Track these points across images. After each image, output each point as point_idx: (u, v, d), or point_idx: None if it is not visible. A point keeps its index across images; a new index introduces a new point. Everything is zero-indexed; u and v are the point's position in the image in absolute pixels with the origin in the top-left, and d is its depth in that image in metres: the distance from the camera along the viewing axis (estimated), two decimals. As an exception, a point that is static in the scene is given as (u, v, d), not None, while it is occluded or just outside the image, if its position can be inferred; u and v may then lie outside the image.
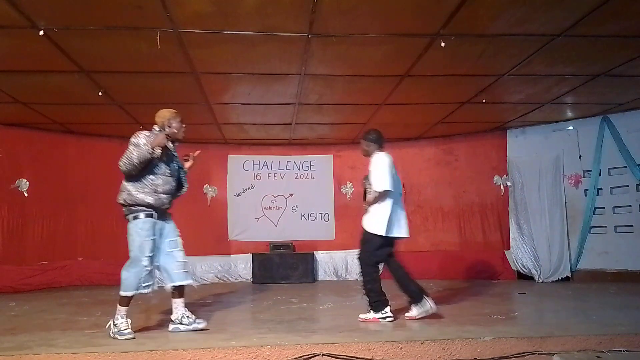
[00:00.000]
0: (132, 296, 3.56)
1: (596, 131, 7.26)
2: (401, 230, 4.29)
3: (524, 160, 7.89)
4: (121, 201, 3.72)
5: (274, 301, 5.56)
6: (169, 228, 3.83)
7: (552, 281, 7.33)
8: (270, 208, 8.81)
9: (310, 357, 2.96)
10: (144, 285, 3.55)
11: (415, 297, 4.11)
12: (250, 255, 8.16)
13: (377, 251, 4.19)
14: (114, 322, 3.49)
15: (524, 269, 7.67)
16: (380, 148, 4.49)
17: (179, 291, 3.77)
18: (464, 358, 3.05)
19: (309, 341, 3.12)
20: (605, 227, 7.20)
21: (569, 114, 7.36)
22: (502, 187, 8.12)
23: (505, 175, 8.09)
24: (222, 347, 3.00)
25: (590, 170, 7.33)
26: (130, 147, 3.60)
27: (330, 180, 8.90)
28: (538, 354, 3.07)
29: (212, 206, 8.66)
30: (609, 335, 3.21)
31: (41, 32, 4.17)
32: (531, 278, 7.54)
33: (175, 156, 3.93)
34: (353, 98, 6.28)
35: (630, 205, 6.97)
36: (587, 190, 7.36)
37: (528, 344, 3.11)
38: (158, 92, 5.90)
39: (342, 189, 8.90)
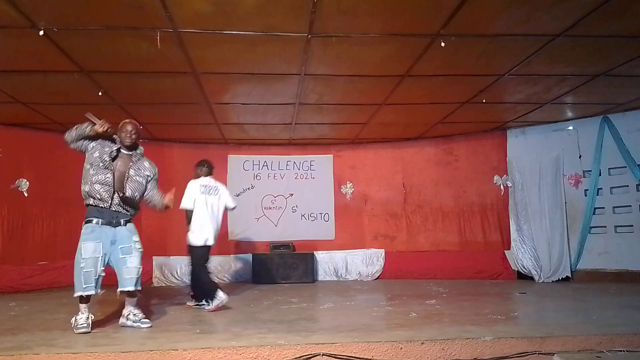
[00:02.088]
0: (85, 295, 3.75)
1: (596, 131, 7.27)
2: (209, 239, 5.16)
3: (524, 160, 7.90)
4: None
5: (274, 301, 5.56)
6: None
7: (552, 281, 7.33)
8: (270, 208, 8.81)
9: (310, 357, 2.96)
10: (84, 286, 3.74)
11: (208, 295, 4.92)
12: (250, 255, 8.16)
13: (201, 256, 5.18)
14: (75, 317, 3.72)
15: (524, 269, 7.68)
16: (198, 176, 5.35)
17: (127, 294, 4.05)
18: (464, 358, 3.04)
19: (309, 341, 3.12)
20: (605, 227, 7.20)
21: (569, 114, 7.36)
22: (502, 187, 8.13)
23: (505, 175, 8.09)
24: (222, 347, 3.00)
25: (590, 170, 7.34)
26: None
27: (330, 180, 8.90)
28: (538, 354, 3.07)
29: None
30: (609, 335, 3.20)
31: (41, 32, 4.18)
32: (531, 278, 7.54)
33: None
34: (353, 98, 6.28)
35: (630, 205, 6.97)
36: (587, 190, 7.36)
37: (528, 344, 3.11)
38: (158, 92, 5.90)
39: (342, 189, 8.90)
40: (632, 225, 6.92)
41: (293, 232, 8.63)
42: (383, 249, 8.51)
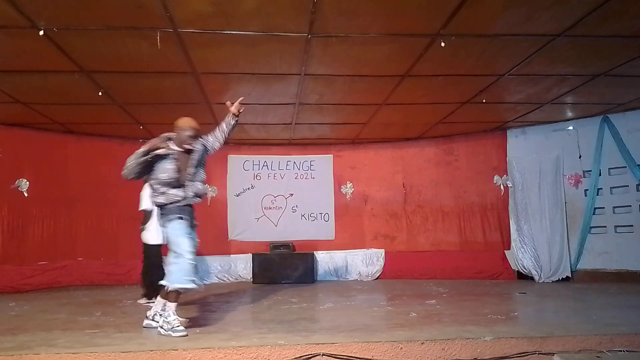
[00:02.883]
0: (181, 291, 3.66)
1: (596, 131, 7.26)
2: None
3: (524, 160, 7.90)
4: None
5: (274, 301, 5.56)
6: None
7: (552, 281, 7.33)
8: (270, 208, 8.81)
9: (310, 357, 2.96)
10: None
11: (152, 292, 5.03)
12: (250, 255, 8.16)
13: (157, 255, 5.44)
14: (165, 319, 3.56)
15: (524, 269, 7.67)
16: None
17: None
18: (464, 358, 3.04)
19: (309, 341, 3.12)
20: (605, 227, 7.20)
21: (569, 114, 7.36)
22: (502, 187, 8.13)
23: (505, 175, 8.09)
24: (222, 347, 3.00)
25: (590, 170, 7.33)
26: None
27: (330, 180, 8.90)
28: (538, 354, 3.07)
29: (212, 206, 8.65)
30: (609, 335, 3.21)
31: (41, 32, 4.17)
32: (531, 278, 7.54)
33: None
34: (353, 98, 6.28)
35: (630, 205, 6.97)
36: (587, 190, 7.36)
37: (528, 344, 3.11)
38: (158, 92, 5.90)
39: (342, 189, 8.90)
40: (632, 225, 6.92)
41: (293, 232, 8.62)
42: (383, 249, 8.51)
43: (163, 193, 3.80)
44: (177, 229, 3.73)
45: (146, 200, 5.31)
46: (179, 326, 3.51)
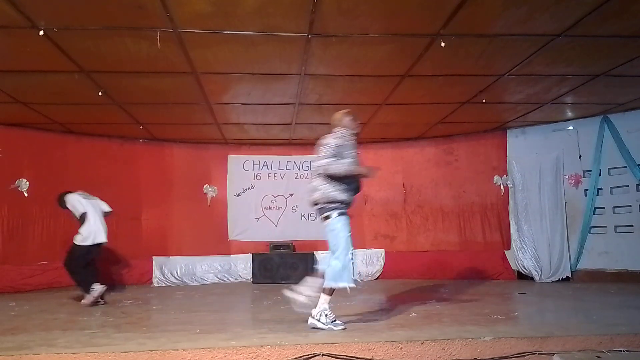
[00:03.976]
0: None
1: (596, 131, 7.26)
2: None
3: (524, 160, 7.89)
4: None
5: (274, 301, 5.55)
6: None
7: (552, 281, 7.33)
8: (270, 208, 8.81)
9: (310, 357, 2.96)
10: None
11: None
12: (250, 255, 8.16)
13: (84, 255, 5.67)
14: (324, 313, 3.67)
15: (524, 269, 7.67)
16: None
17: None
18: (464, 358, 3.04)
19: (309, 341, 3.12)
20: (605, 227, 7.20)
21: (569, 114, 7.36)
22: (502, 187, 8.13)
23: (505, 175, 8.09)
24: (222, 347, 3.00)
25: (590, 170, 7.33)
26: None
27: (330, 180, 8.88)
28: (538, 354, 3.07)
29: (212, 206, 8.66)
30: (609, 335, 3.20)
31: (41, 32, 4.18)
32: (531, 278, 7.54)
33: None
34: (353, 98, 6.28)
35: (630, 205, 6.97)
36: (587, 190, 7.36)
37: (528, 344, 3.11)
38: (158, 92, 5.90)
39: (342, 189, 8.89)
40: (632, 225, 6.91)
41: (293, 232, 8.63)
42: (383, 249, 8.51)
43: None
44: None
45: (79, 206, 5.70)
46: (336, 320, 3.68)
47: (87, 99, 6.05)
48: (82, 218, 5.68)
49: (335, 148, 3.78)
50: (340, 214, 3.78)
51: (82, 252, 5.59)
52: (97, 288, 5.39)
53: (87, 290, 5.39)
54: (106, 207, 6.07)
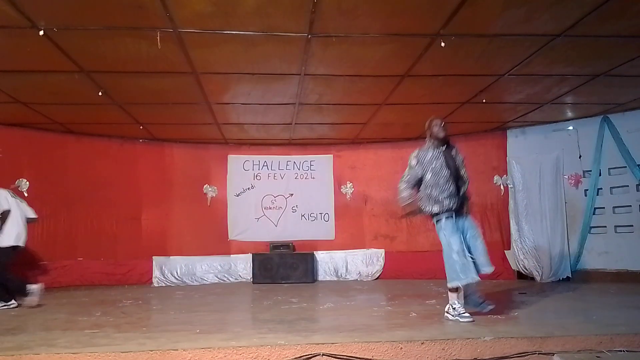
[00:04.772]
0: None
1: (596, 131, 7.26)
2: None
3: (524, 160, 7.89)
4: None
5: (274, 301, 5.56)
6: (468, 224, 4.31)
7: (552, 281, 7.32)
8: (270, 208, 8.81)
9: (310, 357, 2.96)
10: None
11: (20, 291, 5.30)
12: (250, 255, 8.16)
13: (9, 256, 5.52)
14: (452, 306, 3.92)
15: (524, 269, 7.67)
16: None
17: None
18: (464, 358, 3.04)
19: (309, 341, 3.12)
20: (605, 227, 7.20)
21: (569, 114, 7.36)
22: (502, 187, 8.13)
23: (505, 175, 8.09)
24: (222, 347, 3.00)
25: (590, 170, 7.33)
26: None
27: (330, 180, 8.90)
28: (538, 354, 3.07)
29: (212, 206, 8.66)
30: (609, 335, 3.20)
31: (41, 32, 4.18)
32: (531, 278, 7.54)
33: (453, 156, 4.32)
34: (353, 98, 6.28)
35: (630, 205, 6.97)
36: (587, 190, 7.36)
37: (528, 344, 3.11)
38: (158, 92, 5.90)
39: (342, 189, 8.90)
40: (632, 225, 6.91)
41: (293, 232, 8.63)
42: (383, 249, 8.51)
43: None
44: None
45: (7, 202, 5.52)
46: (464, 313, 3.85)
47: (87, 99, 6.06)
48: (4, 216, 5.43)
49: (409, 168, 4.29)
50: (438, 220, 4.38)
51: (7, 254, 5.41)
52: (34, 287, 5.28)
53: (25, 293, 5.25)
54: (31, 214, 5.79)
